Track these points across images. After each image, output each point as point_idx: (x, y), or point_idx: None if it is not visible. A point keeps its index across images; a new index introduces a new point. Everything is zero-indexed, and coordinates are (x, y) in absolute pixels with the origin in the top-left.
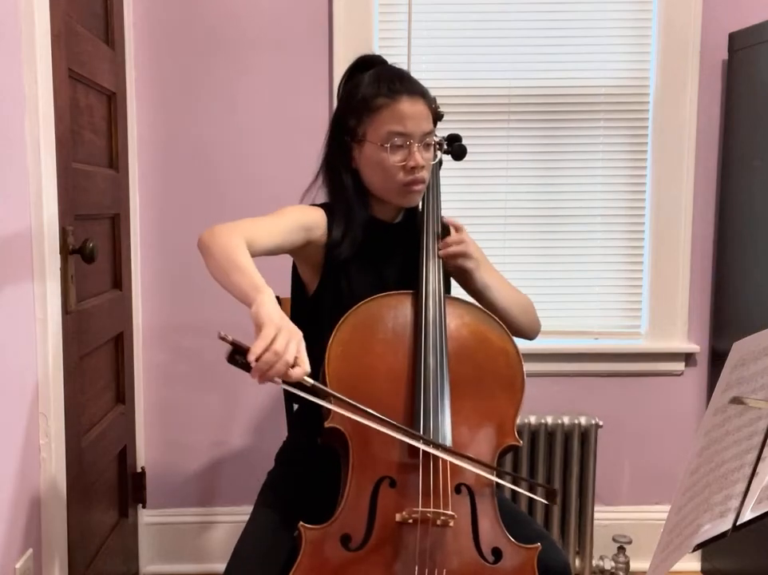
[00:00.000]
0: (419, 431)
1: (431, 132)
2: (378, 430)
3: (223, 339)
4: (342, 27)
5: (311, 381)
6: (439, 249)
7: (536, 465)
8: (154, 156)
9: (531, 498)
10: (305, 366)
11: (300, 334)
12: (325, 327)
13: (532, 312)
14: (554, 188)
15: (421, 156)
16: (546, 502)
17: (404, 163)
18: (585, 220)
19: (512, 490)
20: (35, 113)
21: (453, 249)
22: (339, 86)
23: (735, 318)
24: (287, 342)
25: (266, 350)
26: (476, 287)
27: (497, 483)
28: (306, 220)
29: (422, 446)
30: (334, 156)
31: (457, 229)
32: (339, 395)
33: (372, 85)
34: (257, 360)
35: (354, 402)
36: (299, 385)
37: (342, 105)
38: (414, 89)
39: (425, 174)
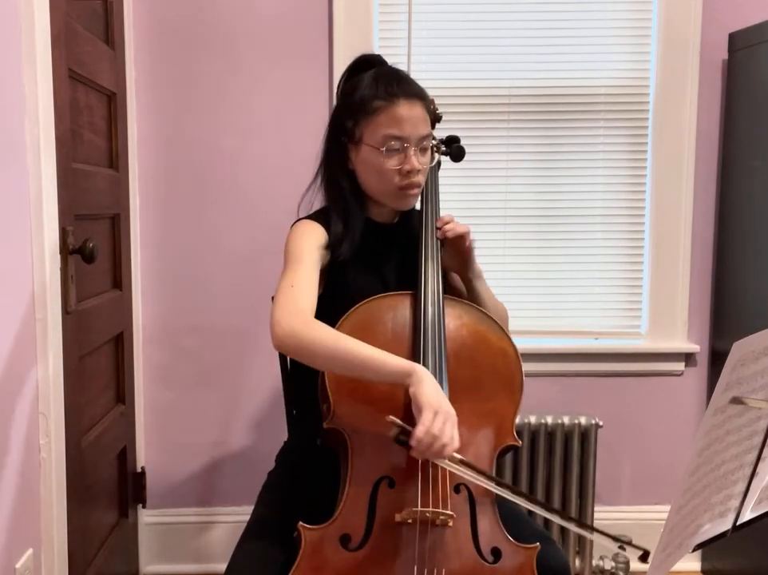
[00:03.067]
0: None
1: (428, 136)
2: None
3: (392, 422)
4: (342, 27)
5: (459, 457)
6: (438, 230)
7: (536, 465)
8: (154, 156)
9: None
10: (455, 444)
11: (454, 413)
12: None
13: (506, 321)
14: (554, 188)
15: (417, 160)
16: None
17: (400, 167)
18: (585, 220)
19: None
20: (35, 113)
21: (450, 227)
22: (339, 85)
23: (735, 318)
24: (443, 424)
25: (426, 433)
26: (470, 275)
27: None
28: (319, 248)
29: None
30: (332, 157)
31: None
32: (489, 475)
33: (370, 87)
34: (418, 442)
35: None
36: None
37: (340, 106)
38: (412, 91)
39: (420, 178)
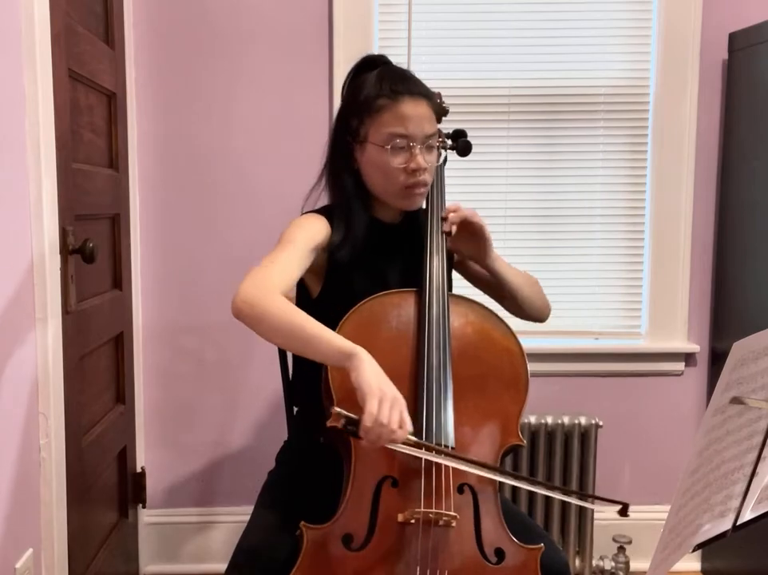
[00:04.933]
0: (421, 432)
1: (434, 135)
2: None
3: (338, 414)
4: (342, 27)
5: (414, 439)
6: (443, 228)
7: (536, 465)
8: (154, 156)
9: (530, 499)
10: (407, 427)
11: (400, 396)
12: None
13: (540, 290)
14: (554, 188)
15: (422, 159)
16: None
17: (405, 165)
18: (585, 220)
19: (513, 491)
20: (35, 113)
21: (454, 215)
22: (343, 86)
23: (735, 318)
24: (389, 410)
25: (374, 422)
26: (488, 262)
27: (500, 483)
28: (315, 239)
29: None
30: (336, 157)
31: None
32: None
33: (374, 86)
34: (367, 433)
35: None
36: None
37: (345, 106)
38: (417, 89)
39: (427, 177)
